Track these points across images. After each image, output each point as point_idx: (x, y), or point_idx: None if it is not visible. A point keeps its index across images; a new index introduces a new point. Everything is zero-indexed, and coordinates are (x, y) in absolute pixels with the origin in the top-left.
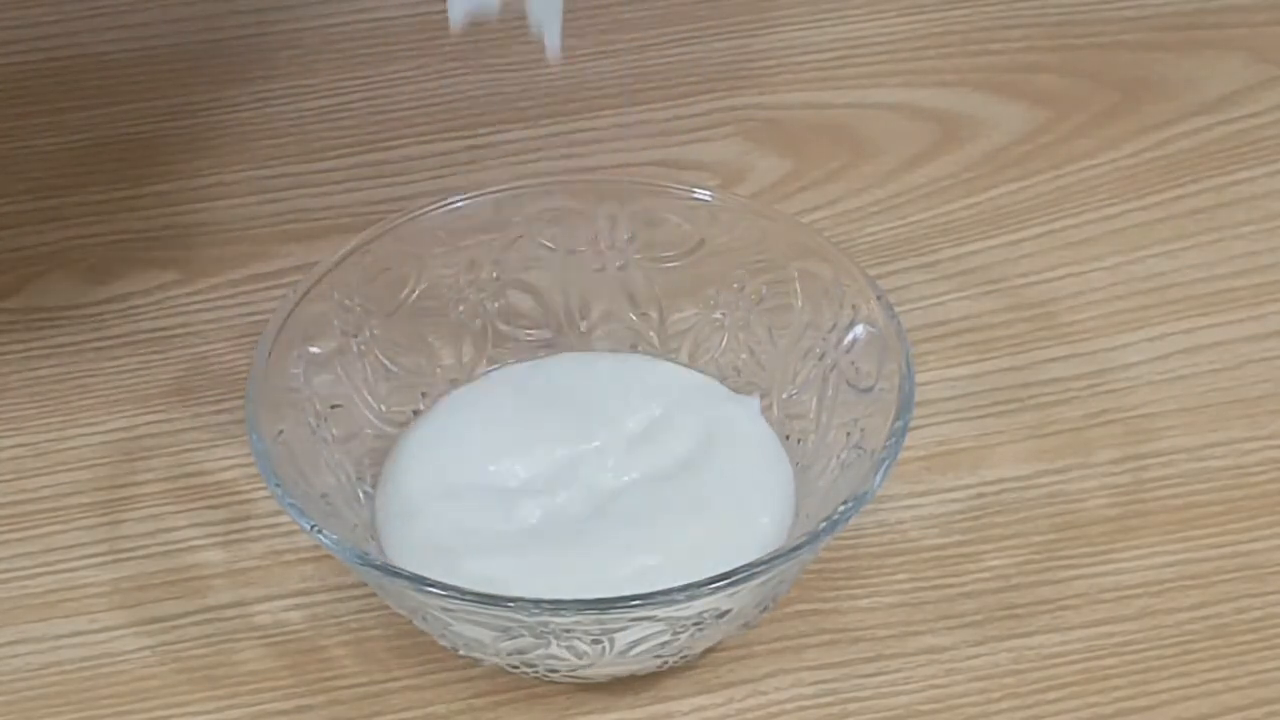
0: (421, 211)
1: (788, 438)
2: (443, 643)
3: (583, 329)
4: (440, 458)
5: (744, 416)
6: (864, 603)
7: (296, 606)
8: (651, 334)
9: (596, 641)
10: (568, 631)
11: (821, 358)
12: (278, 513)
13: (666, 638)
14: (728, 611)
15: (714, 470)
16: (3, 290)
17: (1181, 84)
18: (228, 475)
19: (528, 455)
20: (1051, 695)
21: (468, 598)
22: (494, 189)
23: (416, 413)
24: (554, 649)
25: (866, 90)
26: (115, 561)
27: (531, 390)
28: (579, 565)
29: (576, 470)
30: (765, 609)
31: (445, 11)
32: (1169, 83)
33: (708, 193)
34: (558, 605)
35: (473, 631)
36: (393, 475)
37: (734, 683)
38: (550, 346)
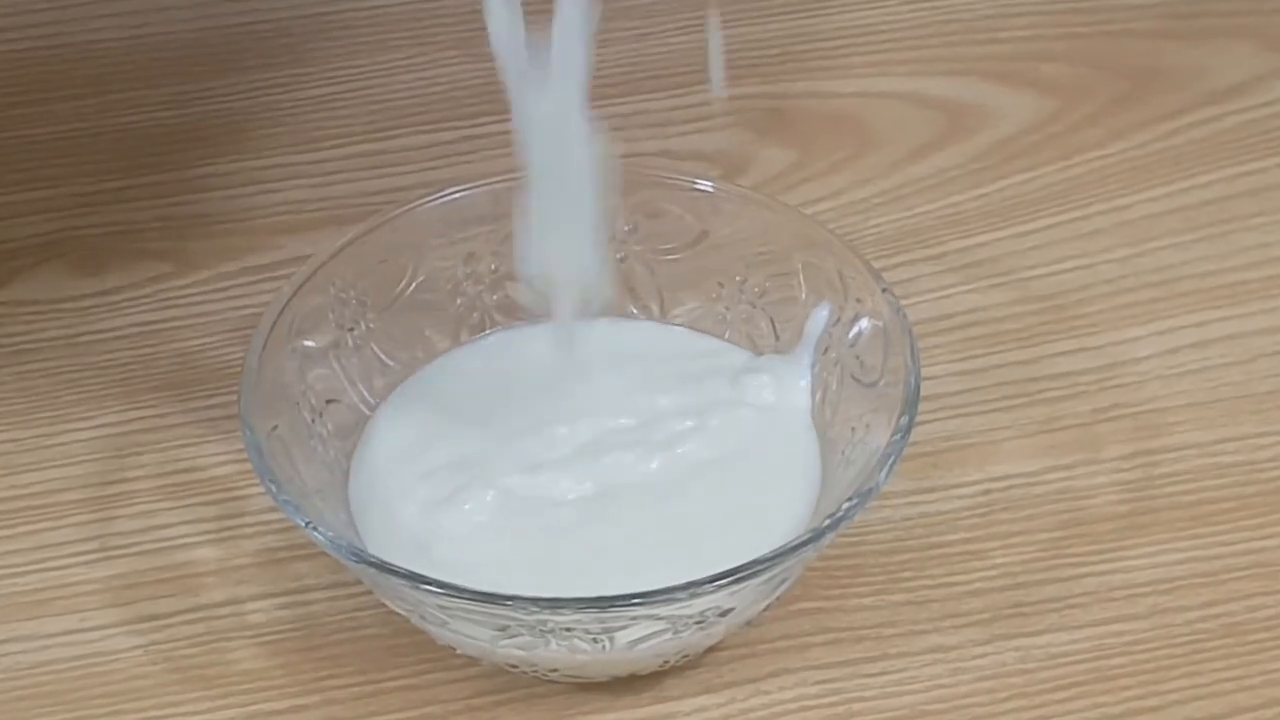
0: (418, 203)
1: None
2: (440, 641)
3: None
4: (414, 437)
5: (780, 390)
6: (869, 601)
7: (291, 604)
8: None
9: (596, 640)
10: (567, 630)
11: (825, 352)
12: (272, 509)
13: (668, 636)
14: (730, 609)
15: (740, 464)
16: None
17: (1191, 73)
18: (221, 471)
19: (523, 435)
20: (1059, 695)
21: (465, 595)
22: (492, 180)
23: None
24: (553, 647)
25: (872, 79)
26: (106, 559)
27: (531, 357)
28: (576, 584)
29: (577, 458)
30: (768, 607)
31: (442, 0)
32: (1179, 72)
33: (710, 184)
34: (557, 603)
35: (470, 630)
36: (364, 459)
37: (736, 682)
38: None
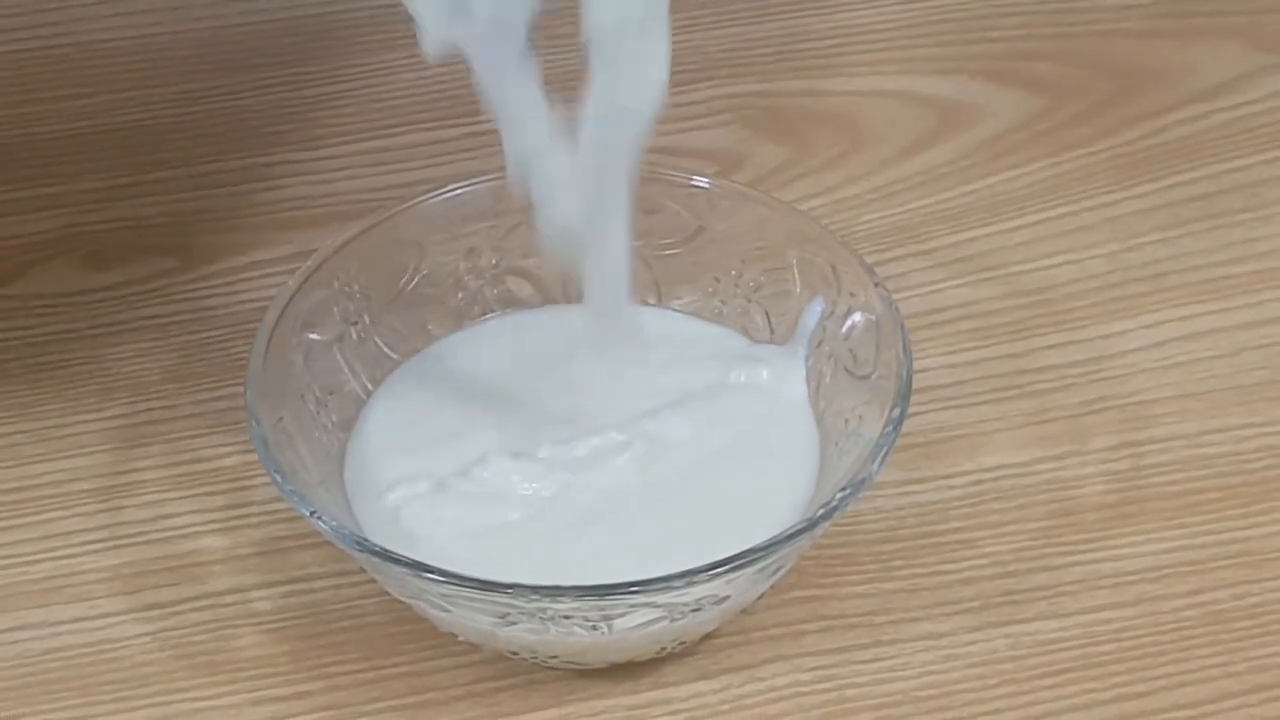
0: (421, 199)
1: None
2: (442, 628)
3: None
4: (407, 423)
5: (777, 379)
6: (862, 589)
7: (296, 592)
8: None
9: (595, 627)
10: (566, 618)
11: (819, 345)
12: (277, 499)
13: (665, 622)
14: (726, 597)
15: (740, 450)
16: (2, 277)
17: (1179, 72)
18: (227, 462)
19: (518, 418)
20: (1048, 681)
21: (466, 584)
22: (493, 176)
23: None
24: (552, 633)
25: (864, 78)
26: (115, 547)
27: (527, 341)
28: (573, 569)
29: (573, 441)
30: (763, 595)
31: None
32: (1166, 70)
33: (706, 180)
34: (557, 591)
35: (471, 616)
36: (357, 447)
37: (732, 669)
38: None
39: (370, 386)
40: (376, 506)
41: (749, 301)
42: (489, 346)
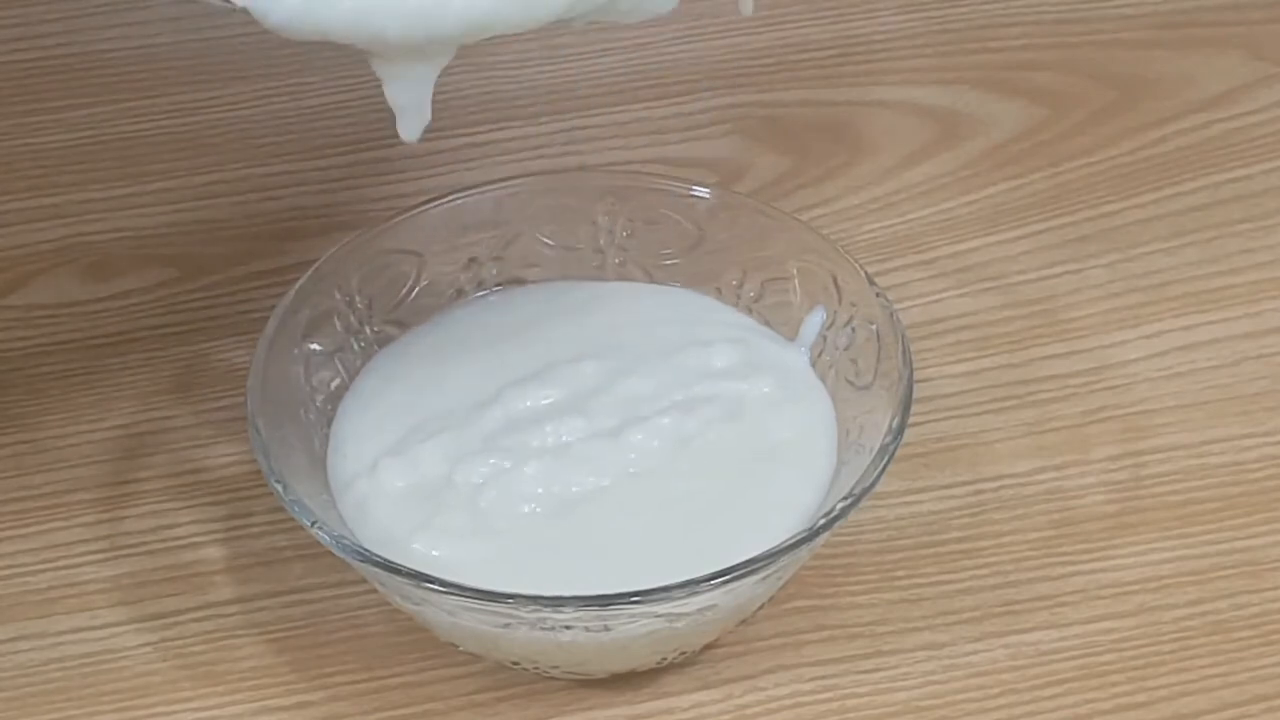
0: (421, 209)
1: None
2: (443, 638)
3: None
4: (388, 410)
5: (795, 368)
6: (863, 599)
7: (297, 602)
8: None
9: (595, 634)
10: (568, 628)
11: (820, 355)
12: (278, 509)
13: (665, 631)
14: (727, 606)
15: (752, 440)
16: (4, 287)
17: (1179, 81)
18: (229, 472)
19: (506, 398)
20: (1049, 691)
21: (467, 594)
22: (493, 186)
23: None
24: (549, 637)
25: (865, 88)
26: (116, 558)
27: (518, 319)
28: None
29: (566, 431)
30: (763, 606)
31: None
32: (1166, 80)
33: (706, 190)
34: (558, 602)
35: (470, 623)
36: (338, 435)
37: (733, 679)
38: None
39: None
40: (346, 497)
41: (749, 311)
42: (472, 327)
